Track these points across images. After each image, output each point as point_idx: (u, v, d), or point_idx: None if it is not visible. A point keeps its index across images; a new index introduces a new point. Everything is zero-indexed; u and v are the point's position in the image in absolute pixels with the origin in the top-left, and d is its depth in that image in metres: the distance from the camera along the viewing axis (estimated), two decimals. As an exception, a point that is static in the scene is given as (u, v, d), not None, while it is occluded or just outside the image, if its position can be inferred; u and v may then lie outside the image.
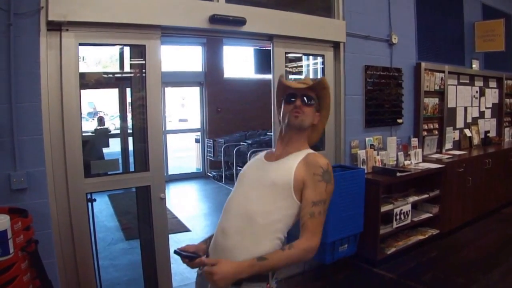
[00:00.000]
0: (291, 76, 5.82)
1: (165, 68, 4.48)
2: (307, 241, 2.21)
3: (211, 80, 12.54)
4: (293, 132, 2.46)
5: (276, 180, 2.31)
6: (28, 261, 3.07)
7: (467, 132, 8.19)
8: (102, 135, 6.29)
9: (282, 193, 2.29)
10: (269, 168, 2.40)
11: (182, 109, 19.43)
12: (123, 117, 5.25)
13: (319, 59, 5.83)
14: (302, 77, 6.28)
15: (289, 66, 5.54)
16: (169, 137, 12.63)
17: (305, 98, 2.44)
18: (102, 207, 7.85)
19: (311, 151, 2.49)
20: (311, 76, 6.39)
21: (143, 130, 4.25)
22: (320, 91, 2.53)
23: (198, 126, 13.01)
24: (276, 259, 2.15)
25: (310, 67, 6.41)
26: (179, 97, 18.50)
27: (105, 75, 4.89)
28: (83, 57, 4.03)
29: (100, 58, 5.13)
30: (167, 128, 12.77)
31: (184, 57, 12.52)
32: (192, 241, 6.67)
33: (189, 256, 2.27)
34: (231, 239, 2.25)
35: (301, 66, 6.29)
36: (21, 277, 2.95)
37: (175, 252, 2.31)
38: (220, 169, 12.00)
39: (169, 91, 13.00)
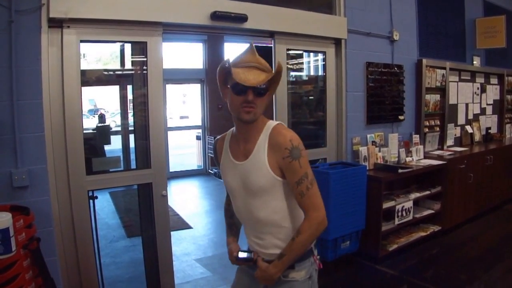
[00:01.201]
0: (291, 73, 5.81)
1: (166, 65, 4.46)
2: (310, 217, 2.25)
3: (212, 77, 12.46)
4: (247, 125, 2.28)
5: (261, 184, 2.27)
6: (30, 259, 3.07)
7: (468, 128, 8.18)
8: (103, 133, 6.28)
9: (274, 188, 2.28)
10: (245, 172, 2.31)
11: (183, 106, 19.42)
12: (124, 114, 5.25)
13: (320, 56, 5.82)
14: (303, 74, 6.29)
15: (291, 63, 5.53)
16: (170, 134, 12.63)
17: (258, 89, 2.21)
18: (104, 205, 7.85)
19: (270, 127, 2.30)
20: (311, 73, 6.39)
21: (145, 127, 4.25)
22: (274, 76, 2.29)
23: (199, 123, 13.00)
24: (292, 251, 2.25)
25: (312, 63, 6.40)
26: (180, 94, 18.49)
27: (106, 72, 4.88)
28: (84, 54, 4.01)
29: (101, 55, 5.13)
30: (168, 125, 12.78)
31: (185, 54, 12.50)
32: (193, 238, 6.72)
33: (248, 257, 2.41)
34: (264, 241, 2.38)
35: (302, 63, 6.28)
36: (23, 275, 2.94)
37: (239, 260, 2.44)
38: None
39: (170, 88, 12.99)
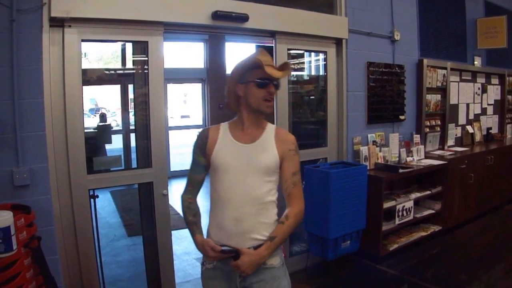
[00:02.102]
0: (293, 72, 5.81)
1: (167, 65, 4.46)
2: (298, 206, 2.56)
3: (213, 77, 12.47)
4: (260, 116, 2.59)
5: (268, 163, 2.52)
6: (31, 257, 3.07)
7: (469, 128, 8.18)
8: (104, 132, 6.30)
9: (274, 170, 2.56)
10: (253, 152, 2.53)
11: (184, 105, 19.41)
12: (125, 114, 5.25)
13: (321, 56, 5.82)
14: (304, 73, 6.29)
15: (292, 62, 5.53)
16: (171, 133, 12.62)
17: (275, 83, 2.52)
18: (105, 204, 7.85)
19: (273, 125, 2.68)
20: (313, 73, 6.40)
21: (146, 126, 4.26)
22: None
23: (200, 122, 12.99)
24: (283, 233, 2.50)
25: (313, 63, 6.41)
26: (181, 94, 18.48)
27: (107, 72, 4.88)
28: (85, 53, 4.02)
29: (102, 54, 5.13)
30: (169, 125, 12.77)
31: (186, 54, 12.50)
32: (194, 237, 6.69)
33: (231, 249, 2.45)
34: (246, 223, 2.48)
35: (303, 63, 6.28)
36: (24, 273, 2.95)
37: (224, 252, 2.45)
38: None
39: (171, 88, 12.99)
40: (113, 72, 5.06)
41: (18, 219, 2.94)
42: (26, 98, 3.47)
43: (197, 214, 2.69)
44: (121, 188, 6.13)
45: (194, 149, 2.69)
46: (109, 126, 7.35)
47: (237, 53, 13.02)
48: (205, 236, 2.61)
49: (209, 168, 2.67)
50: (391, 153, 6.21)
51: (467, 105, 8.16)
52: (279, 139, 2.59)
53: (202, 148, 2.63)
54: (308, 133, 5.98)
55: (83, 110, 3.85)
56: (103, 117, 8.26)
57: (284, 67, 2.55)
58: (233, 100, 2.61)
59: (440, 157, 6.69)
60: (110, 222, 7.28)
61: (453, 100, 7.67)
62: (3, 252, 2.77)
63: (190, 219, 2.66)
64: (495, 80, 8.96)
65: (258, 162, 2.51)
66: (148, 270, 4.54)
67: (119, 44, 4.72)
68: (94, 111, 11.83)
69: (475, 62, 8.36)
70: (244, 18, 4.57)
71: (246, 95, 2.52)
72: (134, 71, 4.67)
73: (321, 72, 5.94)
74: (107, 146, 5.34)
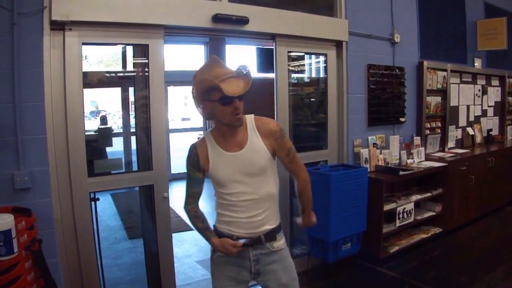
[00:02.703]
0: (293, 75, 5.81)
1: (168, 67, 4.47)
2: (303, 177, 2.91)
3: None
4: (233, 127, 2.65)
5: (262, 164, 2.69)
6: (32, 260, 3.08)
7: (469, 130, 8.18)
8: (104, 134, 6.28)
9: (270, 166, 2.75)
10: (246, 157, 2.67)
11: (185, 108, 19.40)
12: (125, 116, 5.25)
13: (322, 58, 5.83)
14: (304, 76, 6.30)
15: (292, 65, 5.53)
16: (172, 136, 12.63)
17: (240, 96, 2.55)
18: (105, 206, 7.85)
19: (251, 119, 2.75)
20: (313, 75, 6.40)
21: (146, 129, 4.26)
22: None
23: (201, 125, 12.98)
24: (310, 201, 2.97)
25: (313, 66, 6.42)
26: (181, 96, 18.47)
27: (108, 74, 4.89)
28: (85, 56, 4.03)
29: (103, 57, 5.14)
30: (170, 127, 12.77)
31: (187, 56, 12.49)
32: (195, 240, 6.73)
33: (250, 242, 2.74)
34: (259, 218, 2.72)
35: (304, 65, 6.28)
36: (25, 276, 2.96)
37: (246, 245, 2.72)
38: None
39: (172, 90, 12.99)
40: (113, 74, 5.06)
41: (19, 222, 2.95)
42: (27, 101, 3.47)
43: (204, 220, 2.84)
44: (122, 191, 6.13)
45: (188, 167, 2.82)
46: (110, 129, 7.33)
47: (238, 55, 13.03)
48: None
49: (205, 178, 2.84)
50: (392, 155, 6.21)
51: (468, 107, 8.16)
52: (263, 134, 2.71)
53: (196, 165, 2.77)
54: (308, 135, 5.98)
55: (83, 113, 3.85)
56: (103, 119, 8.24)
57: (241, 74, 2.61)
58: (205, 112, 2.70)
59: (440, 159, 6.69)
60: (111, 225, 7.28)
61: (453, 102, 7.68)
62: (4, 255, 2.77)
63: (200, 226, 2.82)
64: (495, 82, 8.96)
65: (254, 166, 2.67)
66: (148, 273, 4.54)
67: (120, 46, 4.72)
68: (95, 113, 11.82)
69: (475, 64, 8.37)
70: (244, 21, 4.58)
71: (214, 112, 2.61)
72: (134, 73, 4.67)
73: (322, 75, 5.95)
74: (108, 149, 5.32)
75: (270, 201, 2.76)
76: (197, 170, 2.77)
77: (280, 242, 2.84)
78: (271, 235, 2.78)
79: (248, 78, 2.57)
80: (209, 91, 2.56)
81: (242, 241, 2.69)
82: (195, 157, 2.74)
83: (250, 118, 2.74)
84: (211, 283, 2.97)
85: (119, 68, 4.96)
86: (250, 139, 2.69)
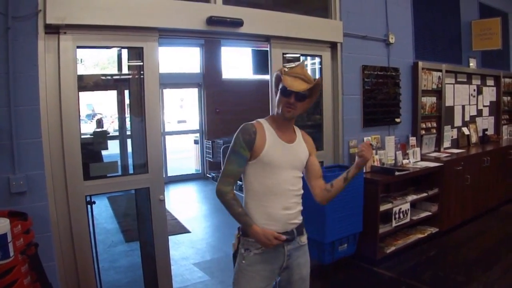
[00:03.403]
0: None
1: (163, 70, 4.48)
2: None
3: (209, 81, 12.50)
4: (287, 120, 2.87)
5: (303, 160, 2.95)
6: (28, 264, 3.07)
7: (465, 130, 8.21)
8: (100, 138, 6.27)
9: (303, 167, 3.00)
10: (294, 151, 2.89)
11: (181, 110, 19.39)
12: (121, 119, 5.25)
13: (317, 60, 5.84)
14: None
15: (287, 66, 5.54)
16: (168, 138, 12.63)
17: (300, 95, 2.76)
18: (102, 209, 7.84)
19: (297, 129, 3.06)
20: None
21: (142, 132, 4.26)
22: (314, 87, 2.84)
23: (197, 127, 12.99)
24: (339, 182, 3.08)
25: (308, 67, 6.42)
26: (177, 99, 18.46)
27: (103, 77, 4.89)
28: (81, 59, 4.03)
29: (98, 60, 5.14)
30: (166, 130, 12.77)
31: (182, 58, 12.50)
32: (192, 242, 6.72)
33: (290, 236, 2.86)
34: (292, 211, 2.87)
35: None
36: (21, 280, 2.95)
37: (288, 240, 2.83)
38: (219, 170, 11.96)
39: (168, 93, 12.99)
40: (109, 77, 5.06)
41: (15, 226, 2.94)
42: (22, 105, 3.47)
43: (242, 205, 2.84)
44: (118, 193, 6.13)
45: (240, 143, 2.78)
46: (106, 132, 7.33)
47: (233, 57, 13.04)
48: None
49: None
50: (387, 155, 6.22)
51: (463, 107, 8.19)
52: (305, 139, 3.03)
53: (250, 143, 2.77)
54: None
55: (79, 116, 3.85)
56: (99, 123, 8.24)
57: (316, 81, 2.84)
58: (276, 96, 2.91)
59: (436, 159, 6.71)
60: (107, 228, 7.27)
61: (448, 102, 7.70)
62: (0, 259, 2.76)
63: (240, 211, 2.79)
64: (490, 82, 9.00)
65: (299, 160, 2.91)
66: (145, 276, 4.54)
67: (115, 49, 4.72)
68: (91, 116, 11.81)
69: (470, 64, 8.40)
70: (239, 23, 4.59)
71: (276, 99, 2.86)
72: (130, 76, 4.68)
73: (317, 76, 5.95)
74: (104, 152, 5.32)
75: (300, 197, 2.95)
76: (249, 148, 2.78)
77: (306, 237, 3.02)
78: (300, 229, 2.95)
79: (312, 84, 2.79)
80: (278, 80, 2.84)
81: (286, 235, 2.77)
82: (253, 134, 2.78)
83: (297, 128, 3.05)
84: (235, 285, 2.90)
85: (114, 71, 4.96)
86: (298, 138, 2.97)
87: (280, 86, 2.80)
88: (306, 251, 3.03)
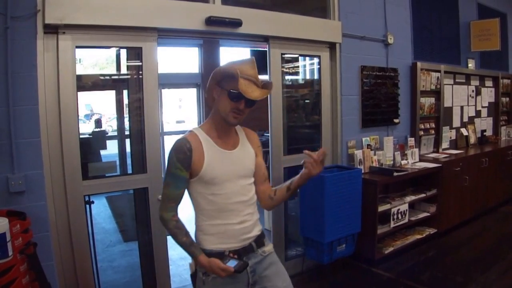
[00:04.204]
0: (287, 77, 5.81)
1: (162, 70, 4.47)
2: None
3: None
4: (232, 125, 2.63)
5: (252, 166, 2.72)
6: (27, 263, 3.08)
7: (463, 131, 8.22)
8: (99, 137, 6.27)
9: (253, 171, 2.76)
10: (238, 157, 2.65)
11: (179, 110, 19.39)
12: (120, 119, 5.25)
13: (315, 60, 5.84)
14: (298, 77, 6.30)
15: (286, 66, 5.54)
16: (167, 138, 12.61)
17: (251, 102, 2.50)
18: (100, 209, 7.83)
19: (239, 128, 2.79)
20: (307, 77, 6.41)
21: (141, 132, 4.26)
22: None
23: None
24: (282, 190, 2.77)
25: (307, 67, 6.42)
26: (176, 99, 18.47)
27: (102, 77, 4.89)
28: (80, 59, 4.03)
29: (97, 60, 5.13)
30: (164, 130, 12.75)
31: (181, 59, 12.49)
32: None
33: (241, 262, 2.50)
34: (248, 224, 2.65)
35: (298, 67, 6.29)
36: (20, 279, 2.96)
37: (239, 271, 2.44)
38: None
39: (166, 93, 12.99)
40: (108, 77, 5.06)
41: (13, 225, 2.95)
42: (20, 104, 3.47)
43: (187, 233, 2.59)
44: (116, 193, 6.13)
45: (174, 164, 2.50)
46: (104, 132, 7.32)
47: (232, 57, 13.01)
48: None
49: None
50: (386, 156, 6.23)
51: (461, 107, 8.20)
52: (249, 139, 2.80)
53: (186, 162, 2.50)
54: (302, 137, 5.99)
55: (78, 116, 3.85)
56: (98, 122, 8.23)
57: (265, 86, 2.54)
58: (210, 98, 2.69)
59: (434, 160, 6.71)
60: (106, 228, 7.26)
61: (447, 103, 7.71)
62: (-1, 258, 2.77)
63: (185, 240, 2.55)
64: (489, 83, 9.00)
65: (246, 167, 2.68)
66: (144, 276, 4.54)
67: (114, 49, 4.72)
68: (89, 116, 11.80)
69: (469, 65, 8.41)
70: (237, 23, 4.59)
71: (218, 100, 2.58)
72: (129, 76, 4.68)
73: (315, 76, 5.96)
74: (102, 152, 5.32)
75: (255, 205, 2.74)
76: (186, 167, 2.50)
77: (269, 247, 2.77)
78: (260, 241, 2.71)
79: (266, 90, 2.52)
80: (226, 78, 2.52)
81: (232, 264, 2.41)
82: (188, 152, 2.48)
83: (239, 127, 2.78)
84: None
85: (113, 71, 4.96)
86: (241, 141, 2.72)
87: (230, 89, 2.46)
88: (275, 261, 2.77)
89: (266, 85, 2.54)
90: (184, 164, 2.49)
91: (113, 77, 4.95)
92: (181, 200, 2.64)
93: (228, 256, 2.50)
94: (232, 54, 12.84)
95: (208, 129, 2.64)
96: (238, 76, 2.38)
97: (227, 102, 2.49)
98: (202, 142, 2.56)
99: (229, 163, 2.58)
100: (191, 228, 2.68)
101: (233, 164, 2.60)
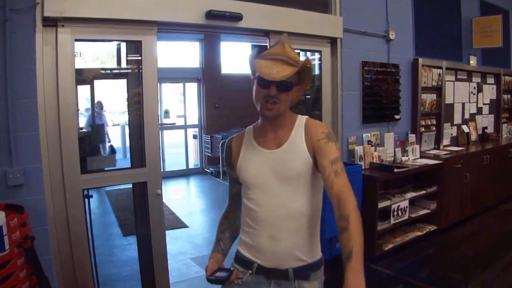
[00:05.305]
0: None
1: (162, 64, 4.46)
2: (350, 202, 2.01)
3: (208, 76, 12.49)
4: (271, 119, 2.19)
5: (298, 169, 2.14)
6: (24, 257, 3.07)
7: (464, 128, 8.20)
8: (98, 131, 6.27)
9: (309, 175, 2.17)
10: (280, 158, 2.16)
11: (180, 104, 19.35)
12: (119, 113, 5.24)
13: (316, 55, 5.82)
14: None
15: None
16: (166, 132, 12.63)
17: (283, 84, 2.07)
18: (100, 203, 7.85)
19: (303, 118, 2.26)
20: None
21: (140, 126, 4.24)
22: (303, 70, 2.18)
23: (196, 122, 12.99)
24: (357, 244, 1.99)
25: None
26: (176, 93, 18.42)
27: (102, 71, 4.87)
28: (80, 53, 4.01)
29: (97, 53, 5.12)
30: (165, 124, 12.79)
31: (182, 53, 12.48)
32: (189, 237, 6.71)
33: (224, 276, 2.21)
34: (286, 241, 2.16)
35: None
36: (17, 273, 2.95)
37: (210, 281, 2.21)
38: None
39: (166, 87, 12.99)
40: (108, 71, 5.05)
41: (11, 219, 2.93)
42: (19, 98, 3.46)
43: (226, 230, 2.45)
44: (116, 187, 6.13)
45: (224, 163, 2.43)
46: (103, 125, 7.33)
47: (233, 52, 13.01)
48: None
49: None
50: (386, 152, 6.21)
51: (463, 104, 8.17)
52: (308, 134, 2.17)
53: (228, 160, 2.37)
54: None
55: (77, 109, 3.84)
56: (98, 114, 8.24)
57: (301, 64, 2.14)
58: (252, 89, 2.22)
59: (435, 157, 6.69)
60: (104, 222, 7.28)
61: (448, 100, 7.68)
62: (-4, 252, 2.76)
63: (216, 235, 2.45)
64: (490, 80, 8.98)
65: (287, 169, 2.15)
66: (142, 270, 4.52)
67: (114, 43, 4.70)
68: (89, 110, 11.79)
69: (471, 62, 8.38)
70: (238, 17, 4.56)
71: (253, 92, 2.18)
72: (128, 70, 4.66)
73: (316, 72, 5.93)
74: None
75: (302, 221, 2.20)
76: (230, 166, 2.35)
77: (311, 284, 2.27)
78: (303, 272, 2.24)
79: (298, 67, 2.11)
80: (252, 65, 2.18)
81: (220, 274, 2.23)
82: (229, 150, 2.35)
83: (302, 121, 2.24)
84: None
85: (113, 65, 4.94)
86: (292, 138, 2.18)
87: (256, 75, 2.12)
88: None
89: (304, 61, 2.16)
90: (228, 163, 2.38)
91: (113, 71, 4.94)
92: (238, 200, 2.40)
93: (227, 269, 2.28)
94: (233, 49, 12.84)
95: (257, 126, 2.31)
96: (254, 58, 2.14)
97: (258, 90, 2.11)
98: (244, 140, 2.32)
99: (264, 163, 2.20)
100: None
101: (270, 165, 2.18)
